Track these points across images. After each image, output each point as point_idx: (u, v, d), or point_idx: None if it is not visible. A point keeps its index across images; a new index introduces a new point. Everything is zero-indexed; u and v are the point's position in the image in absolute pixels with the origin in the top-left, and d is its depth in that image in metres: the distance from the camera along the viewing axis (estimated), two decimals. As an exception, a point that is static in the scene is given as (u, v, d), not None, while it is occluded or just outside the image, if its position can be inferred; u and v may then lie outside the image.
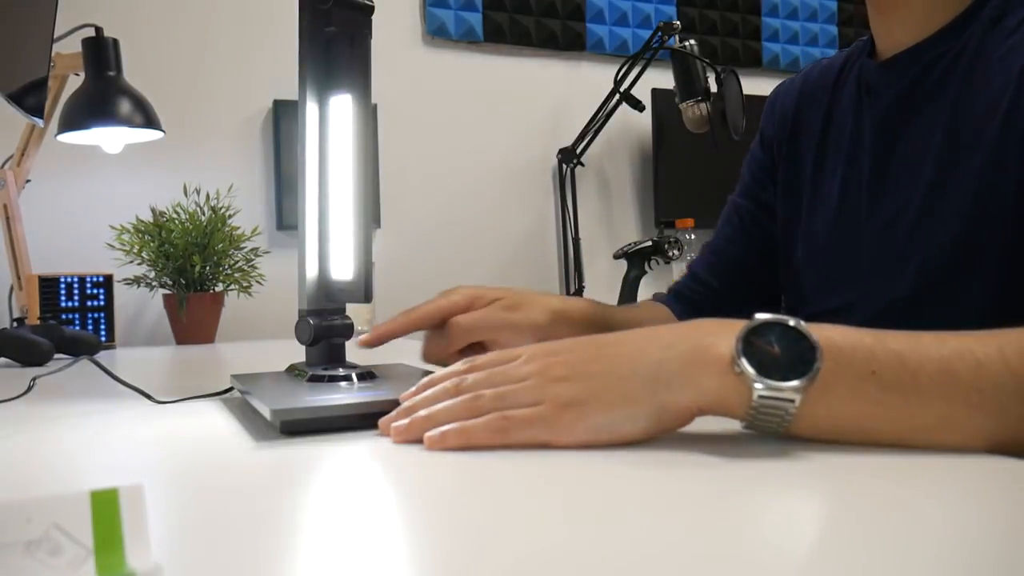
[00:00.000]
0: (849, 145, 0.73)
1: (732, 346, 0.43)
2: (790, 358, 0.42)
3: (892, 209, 0.67)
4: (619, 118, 2.16)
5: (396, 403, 0.52)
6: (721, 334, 0.44)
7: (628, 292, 1.99)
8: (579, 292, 2.10)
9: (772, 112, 0.86)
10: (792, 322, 0.43)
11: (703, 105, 1.93)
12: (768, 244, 0.86)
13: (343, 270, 0.67)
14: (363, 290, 0.65)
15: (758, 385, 0.42)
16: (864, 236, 0.70)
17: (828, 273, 0.74)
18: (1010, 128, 0.59)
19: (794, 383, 0.41)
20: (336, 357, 0.67)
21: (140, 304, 1.80)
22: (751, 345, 0.43)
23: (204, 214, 1.61)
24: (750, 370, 0.42)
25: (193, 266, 1.54)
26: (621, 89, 2.05)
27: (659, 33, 2.01)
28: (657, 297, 0.94)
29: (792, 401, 0.42)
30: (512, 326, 0.72)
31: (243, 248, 1.64)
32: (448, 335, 0.71)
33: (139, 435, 0.56)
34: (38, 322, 1.34)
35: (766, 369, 0.42)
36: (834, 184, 0.74)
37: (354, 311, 0.70)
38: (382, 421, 0.51)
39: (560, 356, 0.47)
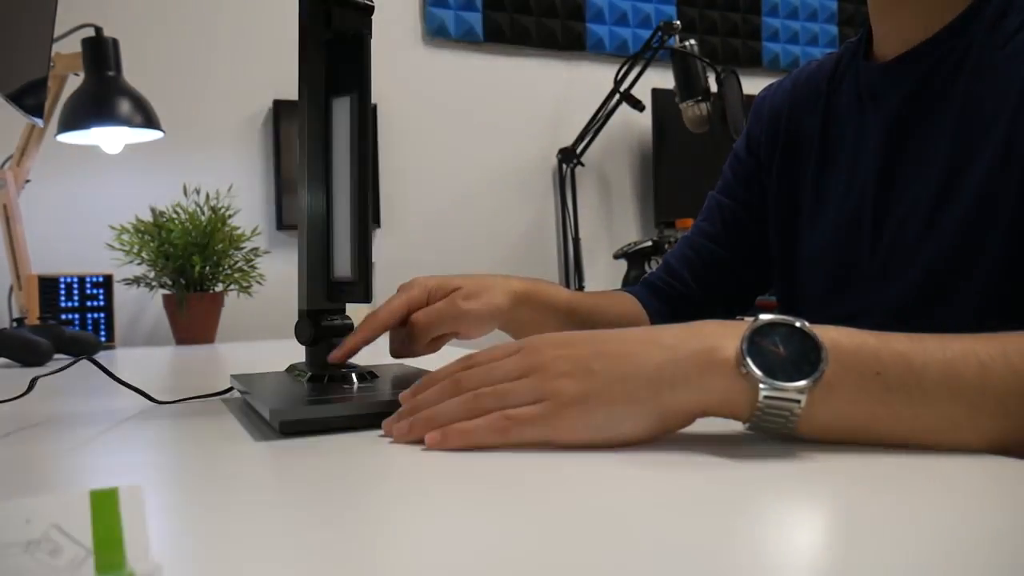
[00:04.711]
0: (852, 150, 0.73)
1: (737, 347, 0.42)
2: (795, 359, 0.42)
3: (901, 212, 0.67)
4: (619, 118, 2.16)
5: (395, 403, 0.52)
6: (725, 336, 0.44)
7: (628, 292, 1.99)
8: (579, 291, 2.10)
9: (760, 115, 0.86)
10: (798, 323, 0.43)
11: (703, 105, 1.93)
12: (747, 244, 0.86)
13: (343, 270, 0.67)
14: (363, 290, 0.65)
15: (763, 386, 0.41)
16: (873, 241, 0.69)
17: (834, 278, 0.73)
18: (1015, 131, 0.58)
19: (799, 383, 0.41)
20: (337, 357, 0.67)
21: (140, 304, 1.80)
22: (756, 346, 0.43)
23: (204, 214, 1.61)
24: (756, 371, 0.42)
25: (193, 266, 1.54)
26: (621, 89, 2.05)
27: (659, 33, 2.01)
28: (627, 288, 0.93)
29: (797, 402, 0.41)
30: (473, 315, 0.71)
31: (243, 248, 1.64)
32: (410, 333, 0.70)
33: (139, 435, 0.56)
34: (38, 322, 1.34)
35: (771, 370, 0.42)
36: (838, 189, 0.74)
37: (354, 311, 0.70)
38: (385, 422, 0.51)
39: (562, 351, 0.47)
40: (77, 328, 1.45)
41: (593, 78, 2.25)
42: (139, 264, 1.58)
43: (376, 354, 0.71)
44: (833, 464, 0.41)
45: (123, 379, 0.68)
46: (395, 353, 0.73)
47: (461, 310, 0.71)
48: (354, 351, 0.66)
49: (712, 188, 0.91)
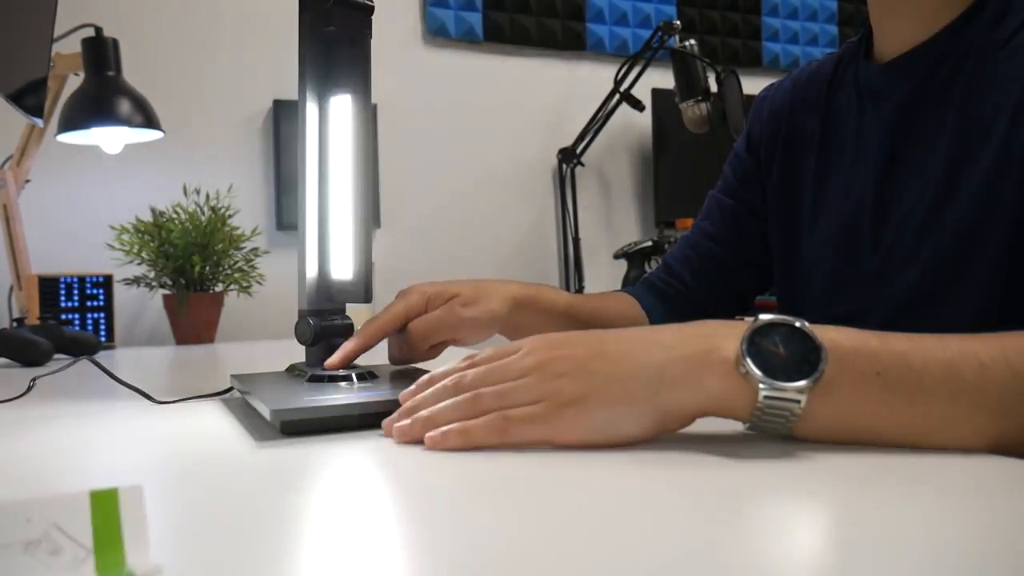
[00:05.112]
0: (852, 150, 0.73)
1: (737, 347, 0.42)
2: (795, 359, 0.42)
3: (901, 213, 0.67)
4: (619, 118, 2.16)
5: (396, 403, 0.52)
6: (725, 336, 0.44)
7: (628, 292, 1.99)
8: (579, 292, 2.10)
9: (760, 115, 0.86)
10: (798, 323, 0.43)
11: (703, 105, 1.93)
12: (747, 244, 0.86)
13: (343, 270, 0.67)
14: (363, 290, 0.65)
15: (763, 386, 0.41)
16: (873, 241, 0.69)
17: (834, 278, 0.73)
18: (1015, 131, 0.58)
19: (799, 383, 0.41)
20: (336, 357, 0.67)
21: (140, 304, 1.80)
22: (756, 346, 0.43)
23: (204, 214, 1.61)
24: (756, 371, 0.42)
25: (193, 266, 1.54)
26: (621, 89, 2.05)
27: (659, 33, 2.01)
28: (627, 289, 0.93)
29: (797, 402, 0.41)
30: (471, 322, 0.72)
31: (243, 248, 1.64)
32: (409, 340, 0.71)
33: (139, 435, 0.56)
34: (38, 322, 1.34)
35: (771, 370, 0.42)
36: (838, 189, 0.74)
37: (354, 311, 0.70)
38: (385, 422, 0.51)
39: (561, 351, 0.47)
40: (77, 328, 1.45)
41: (593, 78, 2.24)
42: (139, 264, 1.58)
43: (376, 354, 0.71)
44: (833, 464, 0.41)
45: (123, 379, 0.68)
46: (393, 359, 0.73)
47: (459, 317, 0.71)
48: (352, 358, 0.66)
49: (712, 188, 0.91)
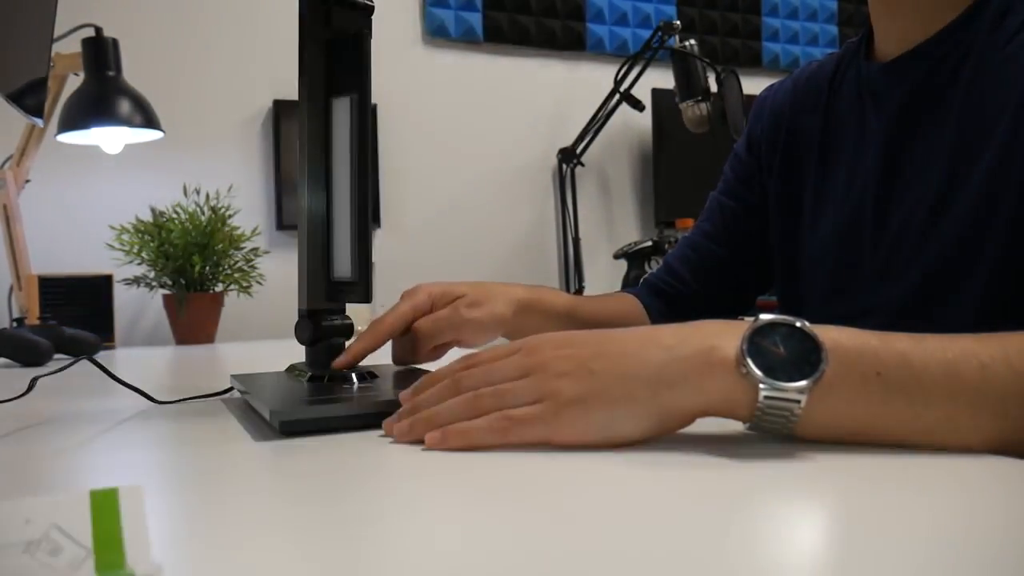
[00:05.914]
0: (852, 150, 0.73)
1: (737, 347, 0.42)
2: (795, 359, 0.42)
3: (902, 213, 0.67)
4: (619, 118, 2.16)
5: (395, 403, 0.52)
6: (725, 336, 0.44)
7: (628, 292, 1.99)
8: (579, 292, 2.10)
9: (761, 115, 0.86)
10: (798, 323, 0.43)
11: (703, 105, 1.93)
12: (747, 244, 0.86)
13: (343, 270, 0.67)
14: (363, 290, 0.65)
15: (764, 386, 0.41)
16: (874, 241, 0.69)
17: (835, 278, 0.73)
18: (1016, 131, 0.58)
19: (800, 384, 0.41)
20: (336, 357, 0.67)
21: (140, 304, 1.80)
22: (756, 346, 0.43)
23: (204, 214, 1.61)
24: (756, 371, 0.42)
25: (193, 266, 1.54)
26: (621, 89, 2.05)
27: (659, 33, 2.01)
28: (628, 289, 0.93)
29: (797, 402, 0.41)
30: (476, 324, 0.72)
31: (243, 248, 1.64)
32: (413, 340, 0.71)
33: (139, 435, 0.56)
34: (38, 322, 1.34)
35: (772, 370, 0.42)
36: (839, 189, 0.74)
37: (354, 311, 0.70)
38: (386, 422, 0.51)
39: (561, 351, 0.47)
40: (77, 328, 1.45)
41: (593, 78, 2.24)
42: (139, 264, 1.58)
43: (376, 354, 0.71)
44: (833, 464, 0.41)
45: (123, 379, 0.68)
46: (397, 359, 0.73)
47: (464, 318, 0.71)
48: (360, 358, 0.66)
49: (712, 188, 0.91)
